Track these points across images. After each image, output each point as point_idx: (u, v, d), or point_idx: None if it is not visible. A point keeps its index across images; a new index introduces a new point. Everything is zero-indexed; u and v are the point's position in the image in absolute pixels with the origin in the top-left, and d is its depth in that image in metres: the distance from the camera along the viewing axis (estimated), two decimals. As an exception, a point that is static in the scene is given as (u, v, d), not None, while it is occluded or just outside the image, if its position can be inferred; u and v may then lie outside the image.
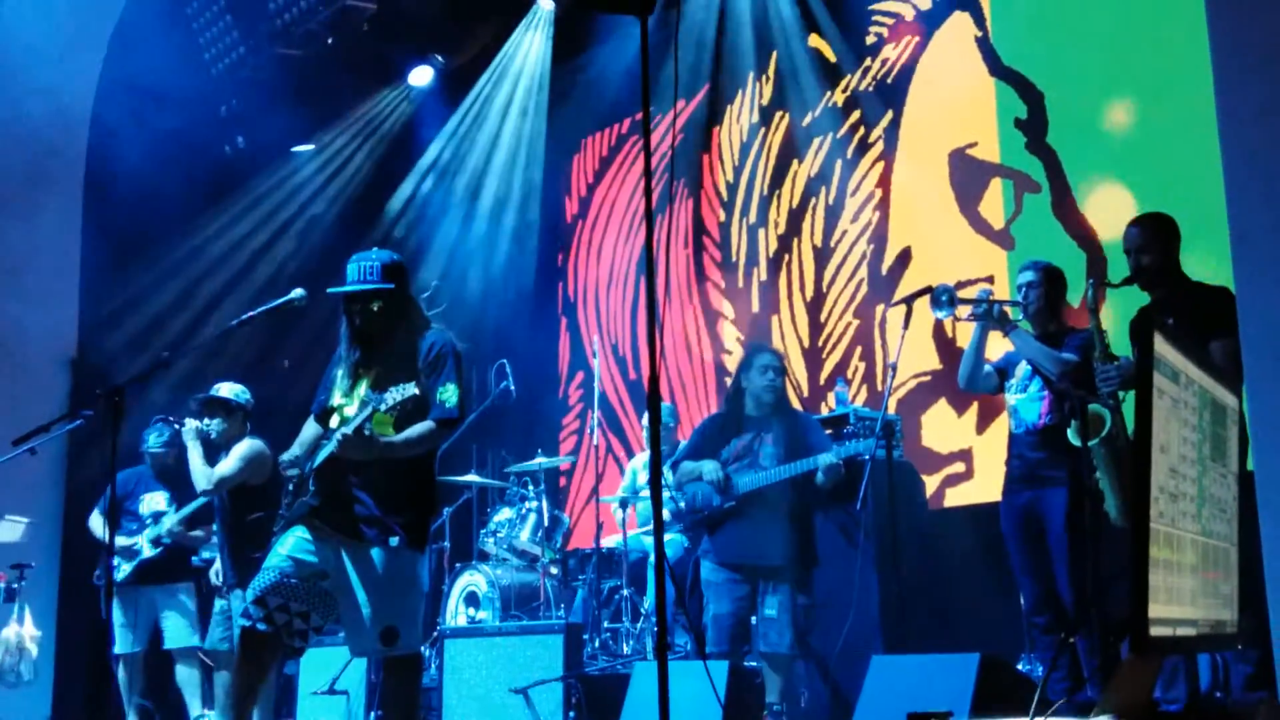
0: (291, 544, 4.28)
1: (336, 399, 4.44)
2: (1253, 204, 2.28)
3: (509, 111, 10.16)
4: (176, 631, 7.24)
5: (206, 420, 6.43)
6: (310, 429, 4.56)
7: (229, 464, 6.27)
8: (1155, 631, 1.85)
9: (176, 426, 6.62)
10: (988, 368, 5.66)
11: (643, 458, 8.11)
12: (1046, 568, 5.30)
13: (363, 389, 4.34)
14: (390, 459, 4.29)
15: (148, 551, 7.21)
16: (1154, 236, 5.08)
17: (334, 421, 4.38)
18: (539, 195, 10.44)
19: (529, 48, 9.91)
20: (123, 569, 7.20)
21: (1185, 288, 5.03)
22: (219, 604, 6.51)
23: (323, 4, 9.13)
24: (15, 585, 8.05)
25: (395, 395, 4.17)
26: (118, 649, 7.26)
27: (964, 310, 5.61)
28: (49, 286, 9.64)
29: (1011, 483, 5.47)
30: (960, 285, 7.62)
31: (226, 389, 6.54)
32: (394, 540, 4.24)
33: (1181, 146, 6.59)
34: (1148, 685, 2.09)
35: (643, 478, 7.87)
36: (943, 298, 5.57)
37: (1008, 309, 5.53)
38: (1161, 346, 1.84)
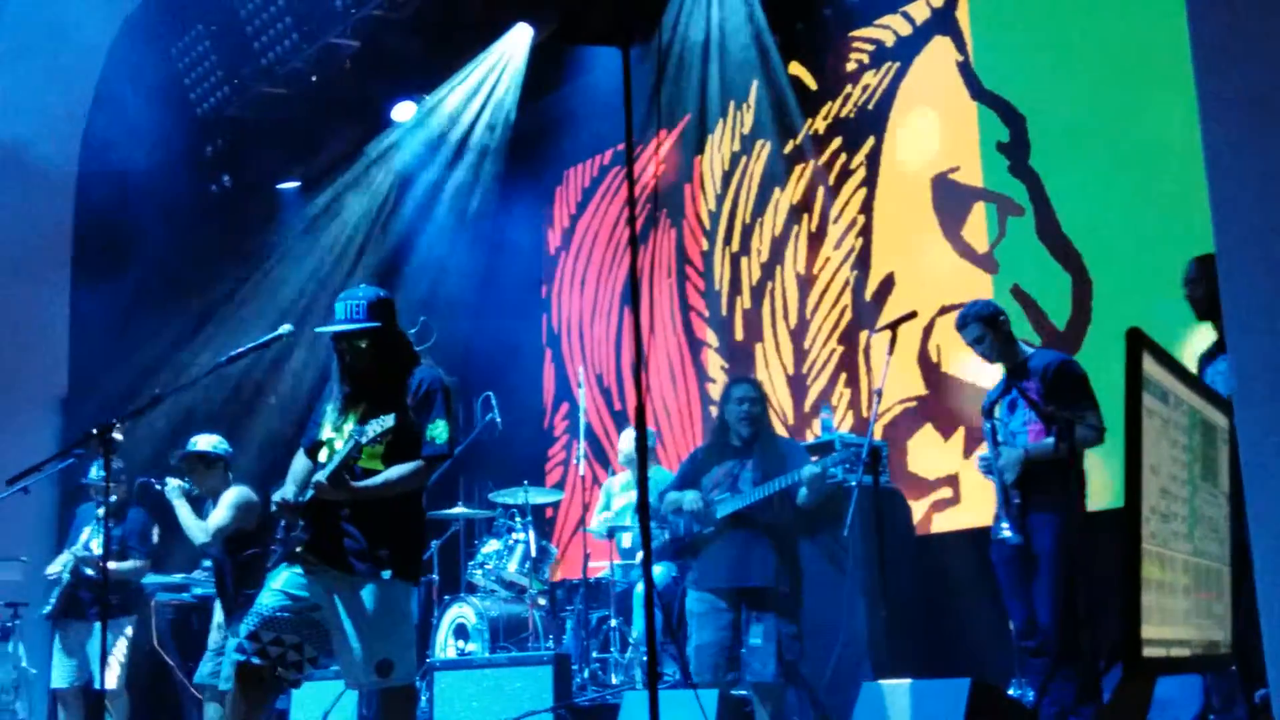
0: (284, 580, 4.29)
1: (326, 432, 4.46)
2: (1239, 223, 2.30)
3: (484, 143, 10.16)
4: (99, 671, 7.16)
5: (188, 477, 6.47)
6: (300, 463, 4.57)
7: (220, 514, 6.33)
8: (1148, 652, 1.85)
9: (157, 487, 6.61)
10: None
11: (617, 479, 8.11)
12: (1035, 592, 5.29)
13: (351, 424, 4.36)
14: (374, 497, 4.30)
15: (64, 578, 7.17)
16: (1208, 270, 5.10)
17: (323, 455, 4.41)
18: (521, 227, 10.45)
19: (503, 73, 9.91)
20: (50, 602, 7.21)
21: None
22: (212, 640, 6.49)
23: (306, 42, 9.15)
24: (10, 624, 8.04)
25: (375, 428, 4.22)
26: (53, 684, 7.24)
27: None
28: (40, 327, 9.66)
29: (1002, 508, 5.47)
30: (944, 310, 7.66)
31: (204, 442, 6.59)
32: (386, 573, 4.25)
33: (1165, 166, 6.63)
34: (1142, 707, 2.08)
35: (617, 501, 7.87)
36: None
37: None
38: (1150, 367, 1.84)
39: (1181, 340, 6.18)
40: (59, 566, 7.27)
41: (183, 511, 6.38)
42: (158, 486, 6.54)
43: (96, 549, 7.19)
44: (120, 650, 7.17)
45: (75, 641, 7.25)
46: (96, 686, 7.12)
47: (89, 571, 7.12)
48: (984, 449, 5.57)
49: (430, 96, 9.95)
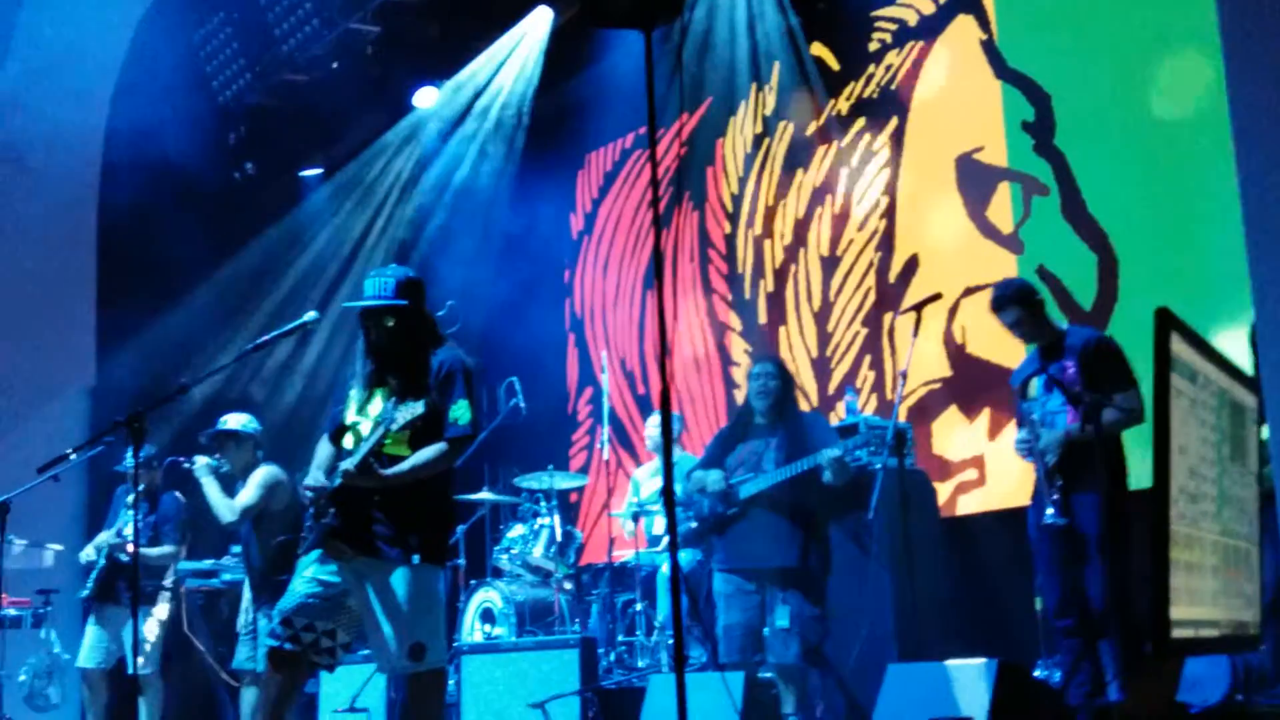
0: (315, 566, 4.34)
1: (351, 415, 4.48)
2: (1268, 202, 2.28)
3: (506, 128, 10.16)
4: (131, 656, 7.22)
5: (218, 455, 6.48)
6: (325, 449, 4.58)
7: (249, 493, 6.35)
8: (1177, 633, 1.84)
9: (185, 465, 6.63)
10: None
11: (646, 468, 8.11)
12: (1074, 570, 5.20)
13: (376, 404, 4.38)
14: (403, 483, 4.31)
15: (99, 562, 7.19)
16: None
17: (348, 440, 4.43)
18: (541, 212, 10.45)
19: (519, 64, 9.91)
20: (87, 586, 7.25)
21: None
22: (241, 623, 6.54)
23: (326, 29, 9.18)
24: (42, 610, 8.10)
25: (405, 415, 4.23)
26: (80, 662, 7.28)
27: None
28: (67, 316, 9.74)
29: (1045, 490, 5.36)
30: (968, 291, 7.63)
31: (234, 420, 6.60)
32: (415, 557, 4.28)
33: (1192, 144, 6.57)
34: (1171, 686, 2.08)
35: (646, 489, 7.87)
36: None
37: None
38: (1178, 346, 1.82)
39: (1208, 319, 6.14)
40: (92, 551, 7.32)
41: (211, 489, 6.40)
42: (186, 465, 6.56)
43: (123, 535, 7.25)
44: (153, 634, 7.21)
45: (110, 625, 7.30)
46: (130, 671, 7.17)
47: (123, 557, 7.16)
48: (1020, 430, 5.44)
49: (450, 81, 9.96)
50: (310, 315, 4.99)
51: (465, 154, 10.34)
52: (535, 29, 9.67)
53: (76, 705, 8.23)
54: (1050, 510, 5.20)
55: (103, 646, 7.25)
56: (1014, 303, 5.47)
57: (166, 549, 7.22)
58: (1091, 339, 5.38)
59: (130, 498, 7.27)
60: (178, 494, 7.35)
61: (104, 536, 7.31)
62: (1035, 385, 5.46)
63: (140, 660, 7.08)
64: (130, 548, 7.06)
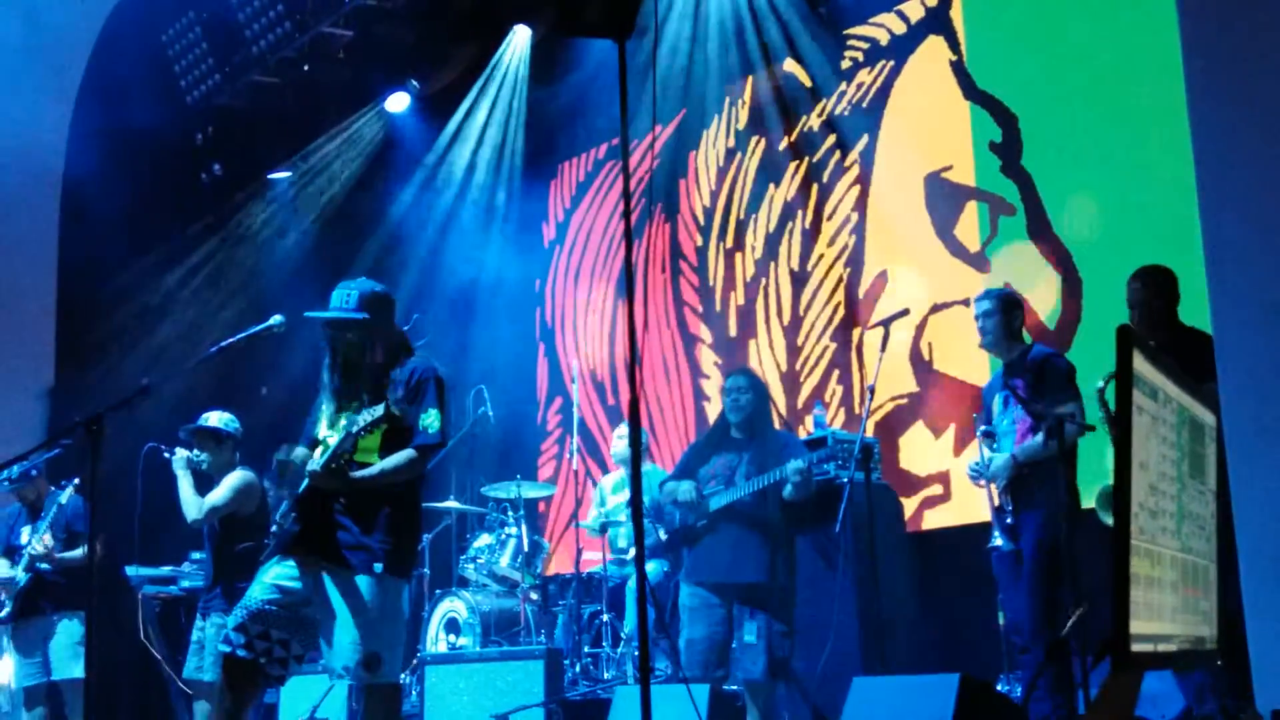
0: (275, 572, 4.28)
1: (322, 429, 4.44)
2: (1227, 225, 2.32)
3: (484, 139, 10.17)
4: (59, 662, 7.08)
5: (197, 451, 6.39)
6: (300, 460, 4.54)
7: (219, 493, 6.26)
8: (1136, 648, 1.86)
9: (165, 455, 6.53)
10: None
11: (612, 478, 8.11)
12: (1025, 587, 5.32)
13: (345, 419, 4.34)
14: (370, 487, 4.29)
15: (20, 578, 7.08)
16: (1160, 288, 5.38)
17: (319, 452, 4.38)
18: (516, 221, 10.45)
19: (504, 75, 9.93)
20: (5, 605, 7.10)
21: (1182, 333, 5.29)
22: (195, 634, 6.45)
23: (298, 31, 9.15)
24: None
25: (365, 417, 4.19)
26: (19, 683, 7.14)
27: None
28: (26, 316, 9.62)
29: (994, 514, 5.50)
30: (936, 308, 7.69)
31: (215, 418, 6.52)
32: (378, 566, 4.23)
33: (1156, 168, 6.65)
34: (1129, 702, 2.10)
35: (612, 500, 7.87)
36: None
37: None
38: (1140, 364, 1.85)
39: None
40: (4, 568, 7.17)
41: (184, 484, 6.29)
42: (166, 454, 6.45)
43: (43, 543, 7.07)
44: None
45: (35, 639, 7.14)
46: (54, 678, 7.07)
47: (44, 566, 7.04)
48: (977, 454, 5.55)
49: (425, 86, 9.94)
50: (276, 319, 4.95)
51: (442, 165, 10.33)
52: (516, 49, 9.72)
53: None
54: (997, 534, 5.30)
55: (36, 663, 7.13)
56: (993, 298, 5.60)
57: (78, 552, 7.09)
58: (1042, 354, 5.51)
59: (23, 522, 7.19)
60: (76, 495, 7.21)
61: (27, 553, 7.16)
62: (997, 402, 5.57)
63: (75, 666, 6.98)
64: (45, 557, 6.98)
